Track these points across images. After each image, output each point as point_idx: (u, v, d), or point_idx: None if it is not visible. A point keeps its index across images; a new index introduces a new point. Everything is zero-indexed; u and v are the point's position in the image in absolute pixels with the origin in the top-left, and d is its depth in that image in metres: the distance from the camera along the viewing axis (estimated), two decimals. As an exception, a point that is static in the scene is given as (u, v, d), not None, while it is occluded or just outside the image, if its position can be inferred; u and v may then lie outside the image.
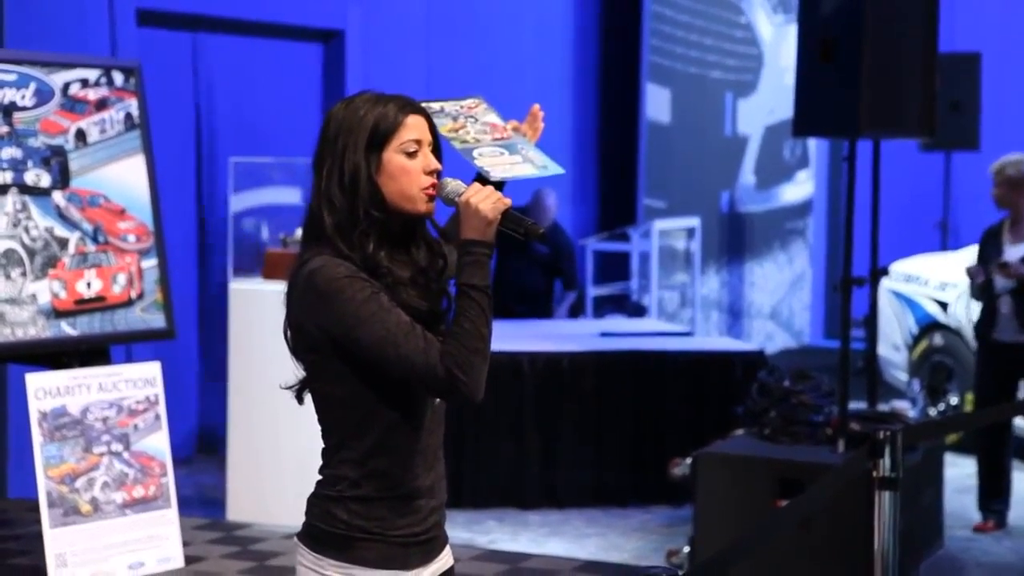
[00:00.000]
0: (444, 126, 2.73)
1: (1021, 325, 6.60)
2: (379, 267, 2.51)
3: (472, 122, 2.78)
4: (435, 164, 2.58)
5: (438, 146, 2.63)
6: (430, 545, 2.61)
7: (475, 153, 2.69)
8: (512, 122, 2.83)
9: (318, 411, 2.61)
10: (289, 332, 2.60)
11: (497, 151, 2.73)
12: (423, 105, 2.67)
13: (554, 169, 2.75)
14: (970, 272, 6.86)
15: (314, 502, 2.59)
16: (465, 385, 2.43)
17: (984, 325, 6.79)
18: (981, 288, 6.76)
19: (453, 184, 2.56)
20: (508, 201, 2.51)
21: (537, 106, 2.87)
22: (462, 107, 2.82)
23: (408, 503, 2.55)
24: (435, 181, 2.56)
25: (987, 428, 6.70)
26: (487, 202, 2.47)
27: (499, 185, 2.69)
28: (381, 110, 2.57)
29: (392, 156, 2.55)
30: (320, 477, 2.59)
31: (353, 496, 2.54)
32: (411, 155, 2.56)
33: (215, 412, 7.82)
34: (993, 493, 6.79)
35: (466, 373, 2.42)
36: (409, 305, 2.50)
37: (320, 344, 2.52)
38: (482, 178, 2.71)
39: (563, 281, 8.88)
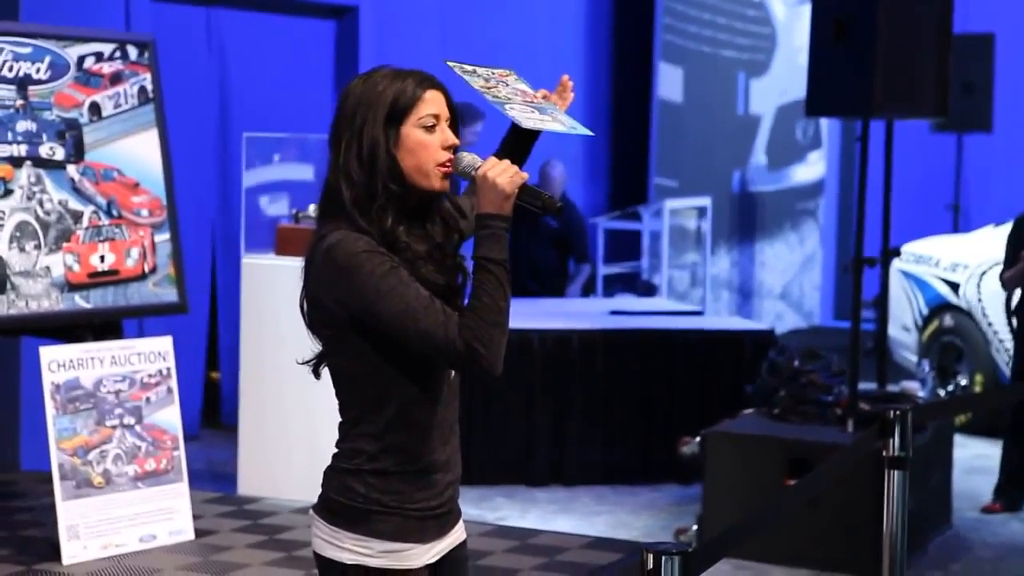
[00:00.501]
0: (476, 83, 2.74)
1: None
2: (397, 241, 2.51)
3: (504, 86, 2.81)
4: (452, 139, 2.59)
5: (455, 121, 2.63)
6: (445, 518, 2.62)
7: (507, 106, 2.71)
8: (542, 91, 2.85)
9: (336, 386, 2.62)
10: (306, 306, 2.60)
11: (528, 109, 2.75)
12: (456, 66, 2.68)
13: (582, 131, 2.77)
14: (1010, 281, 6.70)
15: (331, 475, 2.60)
16: (484, 358, 2.43)
17: None
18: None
19: (469, 158, 2.56)
20: (525, 175, 2.50)
21: (567, 76, 2.89)
22: (495, 73, 2.85)
23: (425, 477, 2.56)
24: (452, 156, 2.57)
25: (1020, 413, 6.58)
26: (504, 176, 2.47)
27: (524, 149, 2.71)
28: (399, 85, 2.58)
29: (410, 131, 2.56)
30: (337, 450, 2.60)
31: (371, 469, 2.55)
32: (429, 129, 2.57)
33: (224, 387, 7.87)
34: (1017, 481, 6.69)
35: (485, 346, 2.43)
36: (427, 280, 2.51)
37: (338, 319, 2.53)
38: (500, 153, 2.72)
39: (575, 256, 8.85)
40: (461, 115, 2.58)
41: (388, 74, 2.61)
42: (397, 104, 2.56)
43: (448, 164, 2.56)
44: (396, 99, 2.56)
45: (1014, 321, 6.93)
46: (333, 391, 2.66)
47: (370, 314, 2.48)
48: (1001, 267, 6.71)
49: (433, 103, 2.59)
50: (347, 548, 2.55)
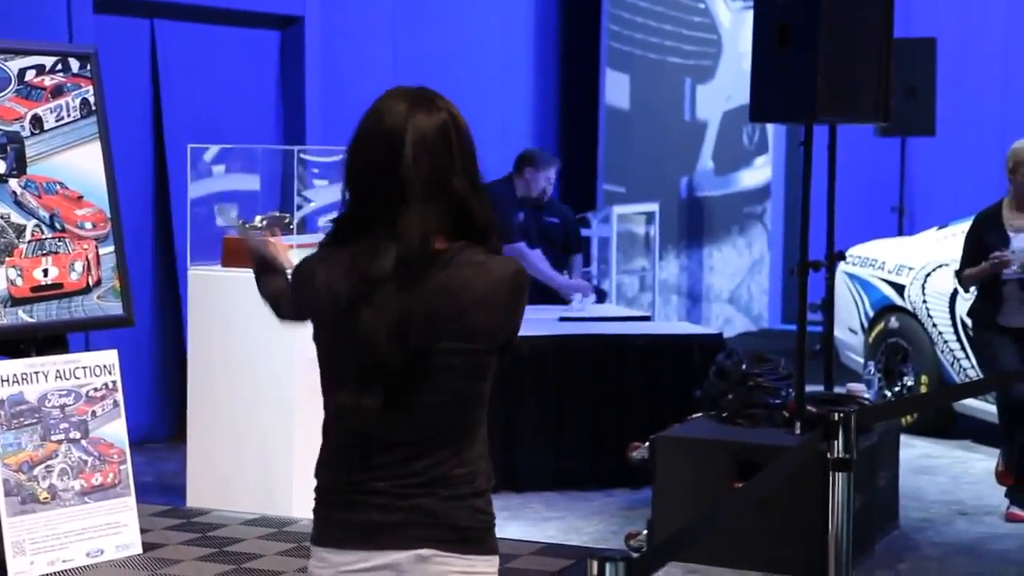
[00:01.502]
0: None
1: None
2: None
3: None
4: None
5: None
6: None
7: None
8: None
9: (460, 413, 2.52)
10: (477, 332, 2.49)
11: None
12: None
13: None
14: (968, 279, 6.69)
15: (456, 505, 2.50)
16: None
17: (986, 311, 6.63)
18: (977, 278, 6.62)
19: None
20: None
21: None
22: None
23: None
24: None
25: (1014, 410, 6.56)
26: None
27: None
28: None
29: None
30: (446, 479, 2.51)
31: (489, 488, 2.56)
32: None
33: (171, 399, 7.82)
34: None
35: None
36: None
37: (497, 344, 2.51)
38: None
39: (572, 247, 8.57)
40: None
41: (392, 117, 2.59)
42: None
43: None
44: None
45: (964, 321, 7.01)
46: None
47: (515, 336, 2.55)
48: (957, 263, 6.77)
49: None
50: (480, 572, 2.53)
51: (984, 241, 6.55)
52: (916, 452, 7.90)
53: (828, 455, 3.64)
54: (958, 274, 6.74)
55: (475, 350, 2.47)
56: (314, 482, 2.61)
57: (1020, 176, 6.55)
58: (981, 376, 7.12)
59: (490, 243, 2.50)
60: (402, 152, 2.47)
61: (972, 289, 6.85)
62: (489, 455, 2.62)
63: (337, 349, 2.52)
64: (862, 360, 8.79)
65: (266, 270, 3.08)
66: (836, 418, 3.62)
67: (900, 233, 10.39)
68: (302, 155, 6.62)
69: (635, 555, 2.31)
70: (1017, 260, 6.45)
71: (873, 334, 8.69)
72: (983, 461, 7.53)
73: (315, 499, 2.59)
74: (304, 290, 2.60)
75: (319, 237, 6.09)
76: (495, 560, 2.55)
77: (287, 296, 2.93)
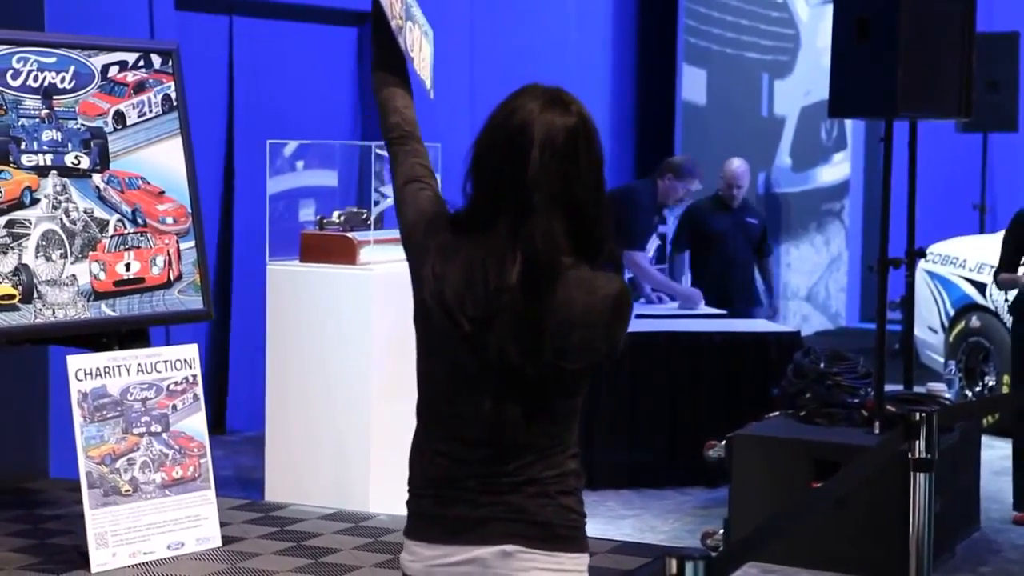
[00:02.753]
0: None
1: None
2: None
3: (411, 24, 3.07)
4: None
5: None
6: None
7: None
8: None
9: (557, 423, 2.51)
10: (571, 352, 2.45)
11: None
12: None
13: (426, 85, 3.10)
14: (1005, 284, 6.63)
15: (545, 503, 2.49)
16: None
17: None
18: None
19: None
20: None
21: None
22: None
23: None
24: None
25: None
26: None
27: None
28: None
29: None
30: (538, 479, 2.50)
31: (579, 487, 2.55)
32: None
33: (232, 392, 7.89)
34: None
35: None
36: None
37: (599, 361, 2.51)
38: None
39: (764, 249, 8.86)
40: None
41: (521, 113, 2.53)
42: None
43: None
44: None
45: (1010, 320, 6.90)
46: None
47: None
48: (997, 266, 6.66)
49: None
50: (567, 570, 2.52)
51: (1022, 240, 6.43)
52: (998, 453, 7.77)
53: (909, 455, 3.61)
54: (995, 276, 6.61)
55: (568, 369, 2.45)
56: (394, 477, 2.63)
57: None
58: None
59: (601, 257, 2.47)
60: (529, 153, 2.42)
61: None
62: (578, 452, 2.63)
63: (455, 352, 2.51)
64: (942, 359, 8.69)
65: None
66: (917, 418, 3.58)
67: (981, 230, 10.26)
68: (379, 151, 6.65)
69: (713, 554, 2.29)
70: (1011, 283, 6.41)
71: (954, 333, 8.58)
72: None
73: (408, 492, 2.60)
74: (413, 251, 2.63)
75: (396, 233, 6.16)
76: (584, 559, 2.53)
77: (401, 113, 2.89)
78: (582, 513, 2.55)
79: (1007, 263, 6.54)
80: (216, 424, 7.91)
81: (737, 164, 8.70)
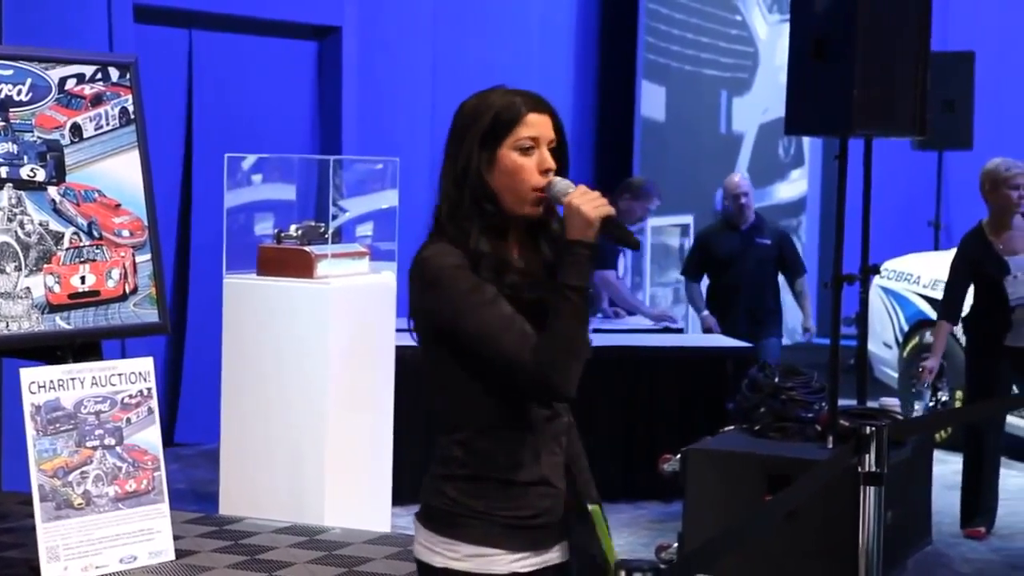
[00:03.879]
0: None
1: None
2: (481, 258, 2.55)
3: None
4: (550, 163, 2.61)
5: (563, 148, 2.67)
6: (544, 532, 2.65)
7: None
8: None
9: (433, 393, 2.66)
10: (410, 316, 2.66)
11: None
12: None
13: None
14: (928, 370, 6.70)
15: (428, 482, 2.67)
16: (556, 385, 2.51)
17: (991, 331, 6.55)
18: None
19: (563, 184, 2.59)
20: (611, 209, 2.55)
21: None
22: None
23: (515, 487, 2.60)
24: (547, 181, 2.60)
25: (975, 436, 6.59)
26: (590, 204, 2.52)
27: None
28: (505, 105, 2.61)
29: (507, 152, 2.60)
30: (435, 459, 2.67)
31: (462, 475, 2.61)
32: (525, 152, 2.60)
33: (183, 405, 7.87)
34: (979, 506, 6.63)
35: (557, 372, 2.50)
36: (516, 296, 2.55)
37: (427, 329, 2.60)
38: None
39: (791, 266, 8.48)
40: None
41: (499, 93, 2.65)
42: (497, 124, 2.60)
43: (542, 189, 2.60)
44: (496, 119, 2.60)
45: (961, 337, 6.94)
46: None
47: (451, 330, 2.54)
48: (945, 287, 6.68)
49: (535, 126, 2.62)
50: (438, 552, 2.62)
51: (983, 271, 6.45)
52: (950, 468, 7.84)
53: (859, 469, 3.64)
54: (944, 312, 6.67)
55: (414, 331, 2.66)
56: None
57: (999, 197, 6.49)
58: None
59: (437, 230, 2.64)
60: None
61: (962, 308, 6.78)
62: (569, 462, 2.69)
63: None
64: (896, 375, 8.76)
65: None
66: (868, 432, 3.61)
67: (936, 247, 10.35)
68: (338, 165, 6.65)
69: (663, 567, 2.32)
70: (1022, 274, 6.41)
71: (907, 348, 8.65)
72: (1017, 477, 7.49)
73: None
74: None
75: (354, 247, 6.18)
76: (460, 547, 2.60)
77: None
78: (459, 501, 2.60)
79: (957, 296, 6.56)
80: (166, 437, 7.89)
81: (738, 176, 8.46)
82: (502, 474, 2.60)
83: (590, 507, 2.66)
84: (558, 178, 2.60)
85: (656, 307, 8.57)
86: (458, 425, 2.62)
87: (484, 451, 2.60)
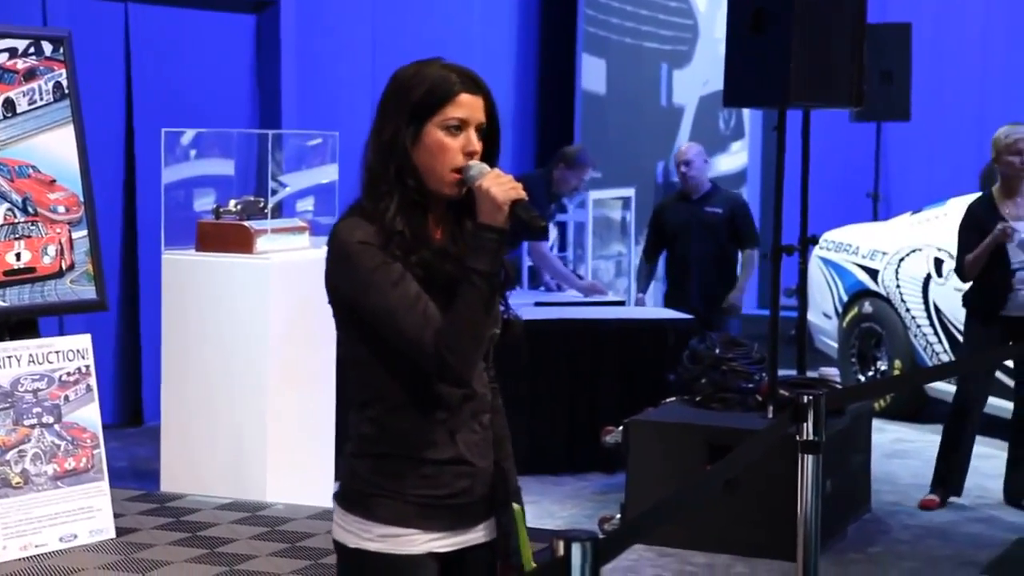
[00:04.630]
0: None
1: None
2: (394, 231, 2.50)
3: None
4: (474, 145, 2.55)
5: (495, 131, 2.61)
6: (462, 511, 2.62)
7: None
8: None
9: (343, 370, 2.67)
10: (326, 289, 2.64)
11: None
12: None
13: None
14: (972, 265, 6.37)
15: (341, 462, 2.67)
16: (452, 366, 2.47)
17: (987, 301, 6.38)
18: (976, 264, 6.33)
19: (478, 168, 2.53)
20: (522, 193, 2.49)
21: None
22: None
23: (427, 465, 2.57)
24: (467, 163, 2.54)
25: (961, 409, 6.55)
26: (500, 188, 2.47)
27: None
28: (437, 81, 2.55)
29: (432, 129, 2.54)
30: (348, 435, 2.65)
31: (374, 453, 2.58)
32: (451, 132, 2.54)
33: (145, 383, 7.82)
34: (953, 478, 6.58)
35: (454, 354, 2.46)
36: (429, 276, 2.51)
37: (337, 304, 2.58)
38: None
39: (743, 238, 8.05)
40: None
41: (435, 67, 2.58)
42: (426, 100, 2.54)
43: (461, 171, 2.54)
44: (427, 94, 2.54)
45: (937, 306, 6.93)
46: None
47: (356, 305, 2.52)
48: (955, 257, 6.52)
49: (465, 106, 2.55)
50: (351, 532, 2.59)
51: (985, 231, 6.38)
52: (889, 436, 7.94)
53: (797, 438, 3.67)
54: (959, 266, 6.42)
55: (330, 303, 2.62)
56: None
57: (1002, 164, 6.45)
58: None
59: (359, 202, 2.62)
60: None
61: (953, 278, 6.72)
62: (491, 441, 2.68)
63: None
64: (836, 344, 8.84)
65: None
66: (805, 401, 3.64)
67: (875, 218, 10.43)
68: (277, 139, 6.61)
69: (600, 536, 2.32)
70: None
71: (847, 319, 8.72)
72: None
73: None
74: None
75: (294, 222, 6.15)
76: (373, 528, 2.57)
77: None
78: (370, 480, 2.58)
79: (965, 251, 6.37)
80: (134, 417, 7.84)
81: (684, 146, 8.31)
82: (414, 452, 2.57)
83: (515, 508, 2.65)
84: (475, 162, 2.54)
85: (587, 279, 8.50)
86: (368, 402, 2.59)
87: (395, 429, 2.57)
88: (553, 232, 8.27)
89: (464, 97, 2.55)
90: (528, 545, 2.67)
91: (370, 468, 2.58)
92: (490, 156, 2.60)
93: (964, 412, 6.50)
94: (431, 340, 2.46)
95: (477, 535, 2.66)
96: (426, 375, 2.53)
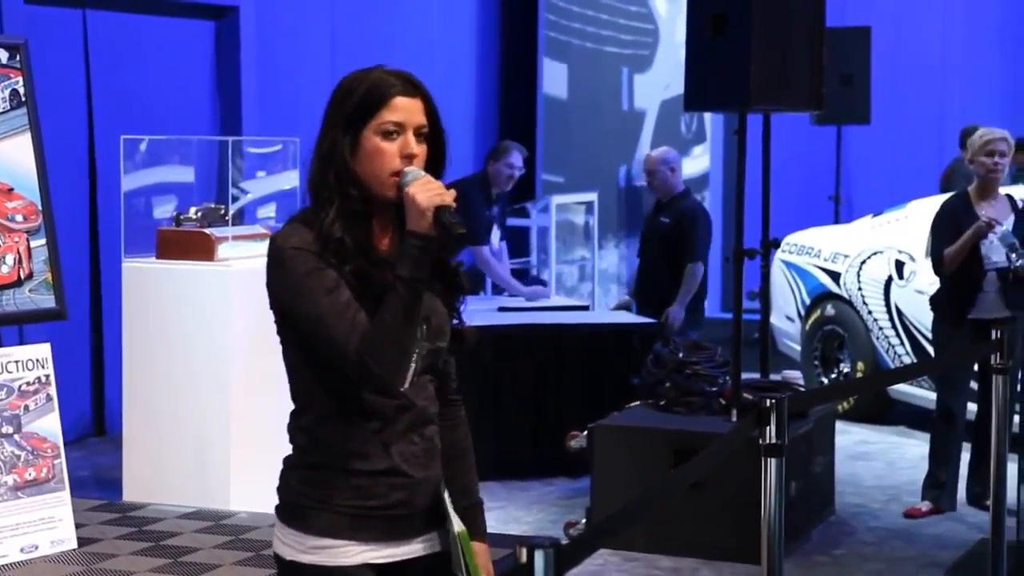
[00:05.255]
0: None
1: (1007, 302, 6.20)
2: (331, 238, 2.48)
3: None
4: (411, 148, 2.51)
5: (437, 134, 2.57)
6: (398, 523, 2.57)
7: None
8: None
9: (289, 383, 2.64)
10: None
11: None
12: None
13: None
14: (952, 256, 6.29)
15: (280, 472, 2.64)
16: (375, 375, 2.43)
17: (955, 305, 6.35)
18: (951, 261, 6.26)
19: (413, 174, 2.49)
20: (447, 198, 2.45)
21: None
22: None
23: (359, 476, 2.53)
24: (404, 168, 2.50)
25: (946, 415, 6.52)
26: (425, 194, 2.44)
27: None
28: (372, 87, 2.52)
29: (369, 135, 2.51)
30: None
31: (305, 463, 2.57)
32: (387, 136, 2.51)
33: (108, 393, 7.76)
34: (944, 485, 6.50)
35: (378, 363, 2.43)
36: (364, 285, 2.48)
37: (274, 308, 2.57)
38: None
39: (687, 249, 7.77)
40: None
41: (372, 74, 2.55)
42: (362, 106, 2.51)
43: (399, 175, 2.50)
44: (363, 100, 2.51)
45: (899, 308, 6.93)
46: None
47: (288, 310, 2.51)
48: (929, 251, 6.48)
49: (401, 110, 2.51)
50: (287, 544, 2.57)
51: (961, 228, 6.37)
52: (852, 439, 7.97)
53: (760, 441, 3.67)
54: (936, 262, 6.37)
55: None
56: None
57: (977, 164, 6.44)
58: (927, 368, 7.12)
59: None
60: None
61: (923, 280, 6.64)
62: (428, 453, 2.62)
63: None
64: (799, 347, 8.87)
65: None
66: (768, 404, 3.64)
67: (836, 221, 10.48)
68: (237, 146, 6.58)
69: (564, 542, 2.31)
70: (1000, 241, 6.21)
71: (810, 322, 8.76)
72: (918, 447, 7.61)
73: None
74: None
75: (256, 229, 6.12)
76: (305, 540, 2.55)
77: None
78: (302, 491, 2.56)
79: (943, 247, 6.31)
80: (97, 427, 7.78)
81: (652, 152, 8.23)
82: (345, 463, 2.53)
83: (457, 530, 2.59)
84: (412, 167, 2.50)
85: (533, 286, 8.45)
86: (302, 410, 2.58)
87: (326, 439, 2.55)
88: (496, 235, 8.14)
89: (399, 100, 2.52)
90: (476, 563, 2.63)
91: (301, 479, 2.56)
92: (435, 159, 2.57)
93: (947, 418, 6.46)
94: (355, 347, 2.43)
95: (416, 547, 2.62)
96: (351, 386, 2.49)
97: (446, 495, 2.61)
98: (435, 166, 2.56)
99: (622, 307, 8.15)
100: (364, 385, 2.47)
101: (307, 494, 2.55)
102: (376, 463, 2.54)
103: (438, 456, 2.65)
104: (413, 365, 2.53)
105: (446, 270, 2.62)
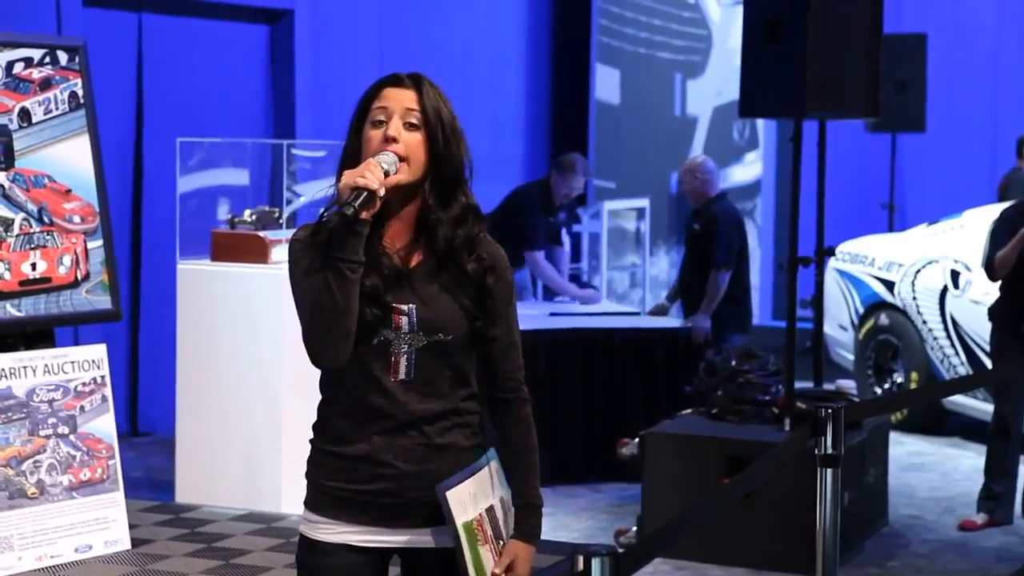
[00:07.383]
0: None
1: None
2: (321, 229, 2.58)
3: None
4: (392, 131, 2.58)
5: (432, 124, 2.60)
6: (376, 511, 2.64)
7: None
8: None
9: None
10: None
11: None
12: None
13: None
14: (1002, 261, 6.19)
15: None
16: (309, 352, 2.56)
17: (1011, 314, 6.26)
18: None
19: (384, 158, 2.56)
20: (369, 181, 2.50)
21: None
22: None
23: (341, 460, 2.65)
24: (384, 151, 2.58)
25: (1003, 425, 6.44)
26: (351, 175, 2.53)
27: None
28: (370, 88, 2.65)
29: (366, 130, 2.62)
30: None
31: (313, 442, 2.72)
32: (376, 125, 2.61)
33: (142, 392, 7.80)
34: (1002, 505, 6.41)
35: (308, 339, 2.56)
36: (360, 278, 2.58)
37: None
38: None
39: (712, 255, 7.58)
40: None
41: (384, 78, 2.67)
42: (362, 105, 2.64)
43: None
44: (362, 100, 2.64)
45: (954, 318, 6.79)
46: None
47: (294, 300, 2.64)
48: (985, 257, 6.39)
49: (387, 98, 2.61)
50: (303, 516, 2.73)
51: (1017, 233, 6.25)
52: (906, 449, 7.90)
53: (816, 451, 3.64)
54: (988, 267, 6.28)
55: None
56: (302, 480, 2.77)
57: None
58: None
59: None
60: None
61: (978, 290, 6.52)
62: (416, 447, 2.65)
63: None
64: (852, 357, 8.80)
65: None
66: (824, 414, 3.62)
67: (890, 229, 10.40)
68: (291, 149, 6.60)
69: (621, 550, 2.31)
70: None
71: (863, 331, 8.69)
72: (972, 458, 7.53)
73: None
74: None
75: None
76: (307, 514, 2.70)
77: None
78: (309, 467, 2.71)
79: (994, 254, 6.24)
80: (129, 427, 7.82)
81: (686, 163, 8.11)
82: (329, 445, 2.66)
83: (454, 530, 2.59)
84: (385, 153, 2.56)
85: (584, 289, 8.42)
86: (321, 392, 2.72)
87: (323, 421, 2.68)
88: (566, 240, 8.16)
89: (388, 91, 2.63)
90: (481, 564, 2.64)
91: (310, 456, 2.72)
92: (437, 152, 2.60)
93: (1004, 430, 6.38)
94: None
95: (416, 538, 2.66)
96: (338, 373, 2.62)
97: (447, 495, 2.62)
98: (434, 157, 2.60)
99: (658, 312, 8.11)
100: (312, 362, 2.60)
101: (308, 472, 2.71)
102: (355, 449, 2.63)
103: (447, 454, 2.66)
104: (404, 357, 2.59)
105: (461, 263, 2.63)
